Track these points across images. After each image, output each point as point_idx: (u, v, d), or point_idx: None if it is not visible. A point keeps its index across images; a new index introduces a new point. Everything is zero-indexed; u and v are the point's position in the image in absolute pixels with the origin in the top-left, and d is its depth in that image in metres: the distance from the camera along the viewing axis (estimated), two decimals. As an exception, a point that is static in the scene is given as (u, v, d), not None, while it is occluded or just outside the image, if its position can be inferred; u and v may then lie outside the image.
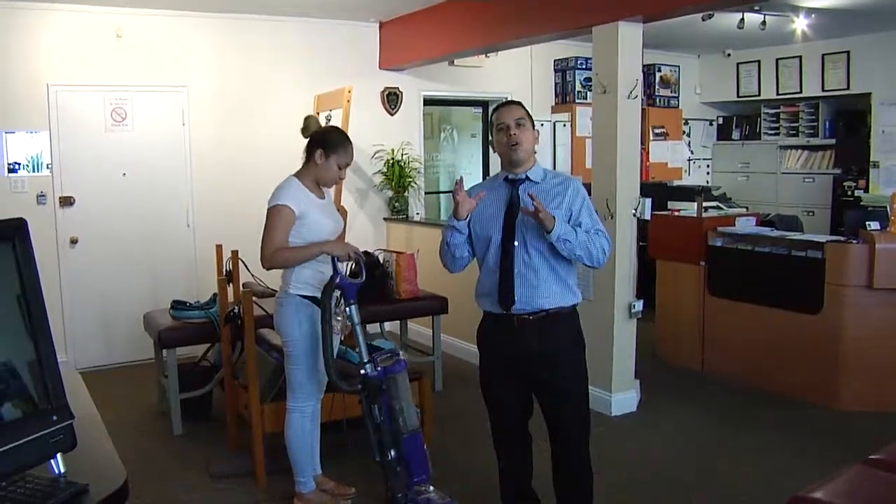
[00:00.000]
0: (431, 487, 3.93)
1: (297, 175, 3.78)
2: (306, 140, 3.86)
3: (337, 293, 3.66)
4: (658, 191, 8.20)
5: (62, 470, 1.80)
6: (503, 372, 3.35)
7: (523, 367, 3.28)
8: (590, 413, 3.41)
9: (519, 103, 3.39)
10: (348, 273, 3.85)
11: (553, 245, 3.11)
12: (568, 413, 3.31)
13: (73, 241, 6.45)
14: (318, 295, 3.65)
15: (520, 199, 3.22)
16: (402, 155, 7.65)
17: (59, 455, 1.80)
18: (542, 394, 3.34)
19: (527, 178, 3.27)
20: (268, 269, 3.77)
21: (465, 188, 3.27)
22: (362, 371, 3.73)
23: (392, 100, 7.85)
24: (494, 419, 3.50)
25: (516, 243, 3.20)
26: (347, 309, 3.69)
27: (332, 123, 5.96)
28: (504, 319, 3.26)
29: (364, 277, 3.83)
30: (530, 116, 3.32)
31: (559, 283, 3.22)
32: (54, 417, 1.77)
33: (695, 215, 6.38)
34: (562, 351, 3.26)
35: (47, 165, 6.31)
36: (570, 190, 3.24)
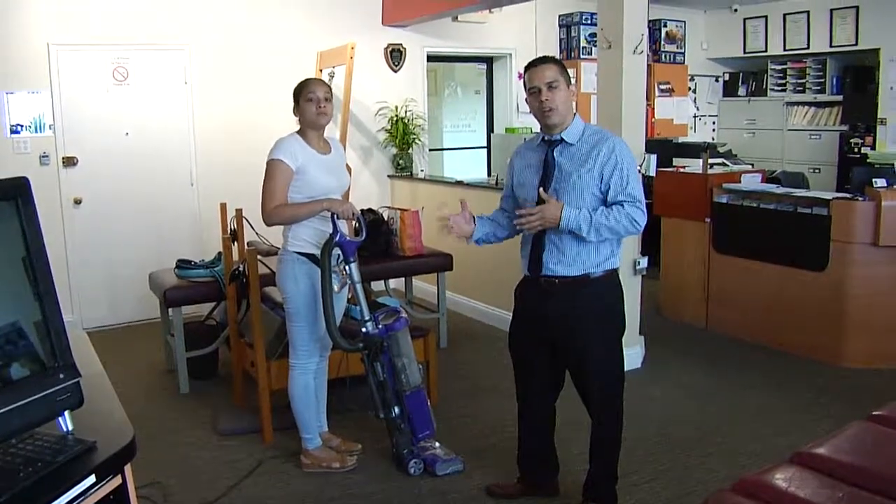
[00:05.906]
0: (437, 443, 3.98)
1: (299, 131, 3.77)
2: None
3: (337, 251, 3.66)
4: (663, 147, 8.16)
5: (70, 427, 1.81)
6: (529, 333, 3.33)
7: (548, 331, 3.24)
8: (618, 381, 3.30)
9: (551, 59, 3.18)
10: (350, 232, 3.84)
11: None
12: (591, 379, 3.25)
13: (77, 202, 6.44)
14: (317, 252, 3.64)
15: (555, 161, 3.14)
16: (406, 112, 7.61)
17: (66, 413, 1.81)
18: (568, 358, 3.28)
19: (561, 139, 3.15)
20: (269, 226, 3.76)
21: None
22: (363, 329, 3.75)
23: (395, 56, 7.78)
24: (518, 379, 3.49)
25: None
26: (347, 268, 3.70)
27: (335, 81, 5.92)
28: (533, 282, 3.25)
29: (364, 236, 3.83)
30: (564, 71, 3.14)
31: (590, 251, 3.11)
32: (61, 376, 1.78)
33: (700, 172, 6.34)
34: (584, 316, 3.16)
35: (49, 126, 6.27)
36: (604, 149, 3.06)
